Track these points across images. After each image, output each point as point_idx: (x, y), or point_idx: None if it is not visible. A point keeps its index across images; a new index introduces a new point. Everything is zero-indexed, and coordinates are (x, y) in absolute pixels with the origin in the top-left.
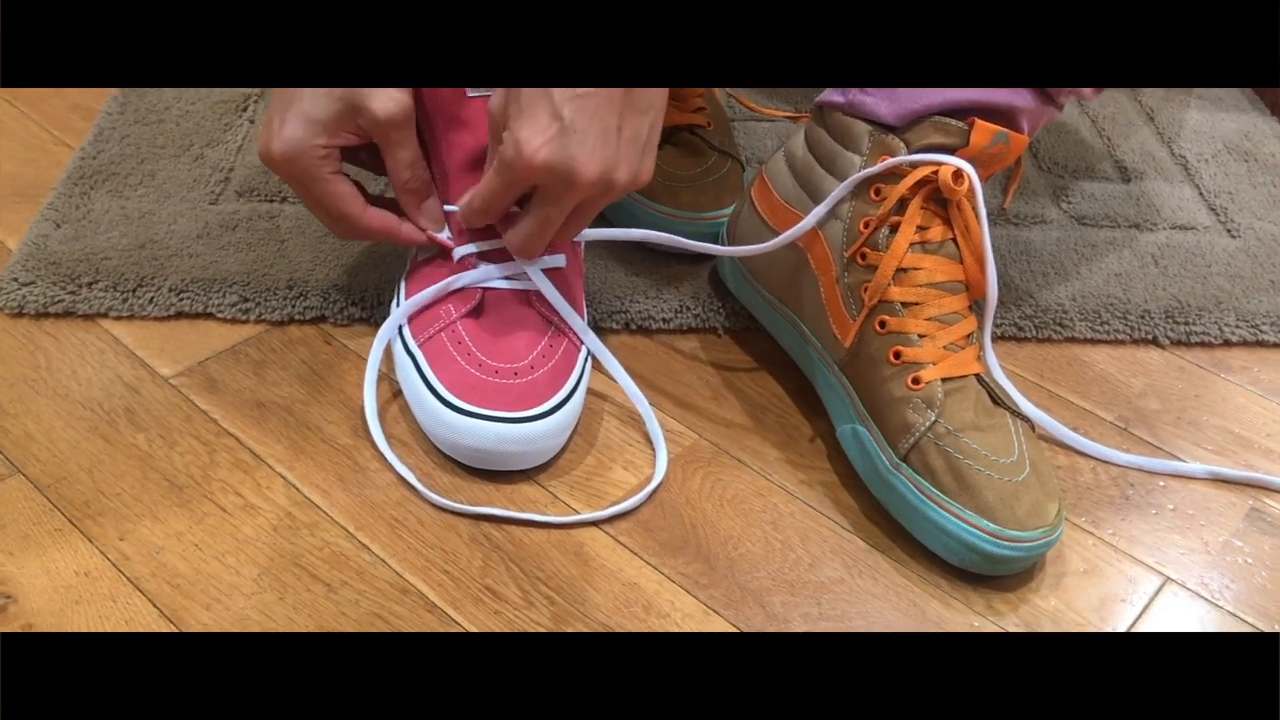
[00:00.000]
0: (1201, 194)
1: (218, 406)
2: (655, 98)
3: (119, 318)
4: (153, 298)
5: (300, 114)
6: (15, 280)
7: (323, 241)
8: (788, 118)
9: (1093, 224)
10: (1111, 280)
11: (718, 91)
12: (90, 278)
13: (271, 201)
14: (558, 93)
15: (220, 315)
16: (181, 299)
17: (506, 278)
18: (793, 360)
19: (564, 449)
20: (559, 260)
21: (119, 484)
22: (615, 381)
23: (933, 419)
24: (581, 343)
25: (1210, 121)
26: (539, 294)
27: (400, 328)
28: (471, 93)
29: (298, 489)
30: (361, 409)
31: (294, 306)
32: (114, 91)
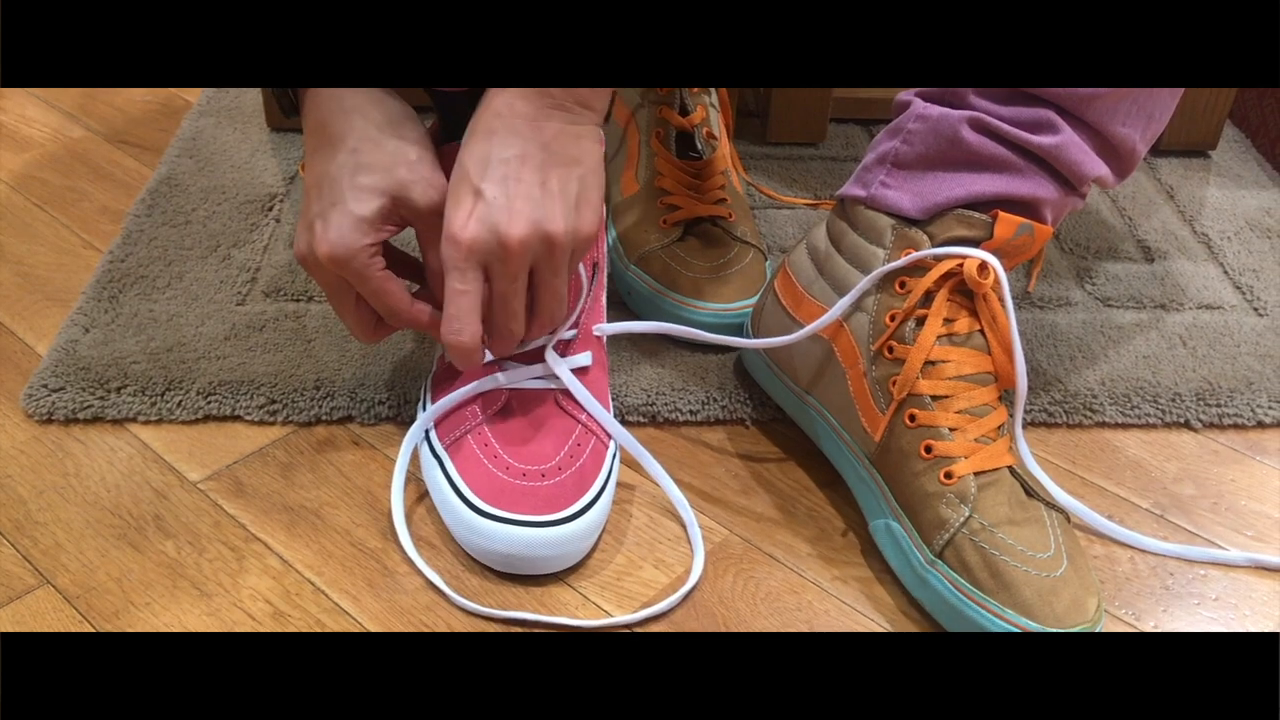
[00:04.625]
0: (1226, 272)
1: (246, 511)
2: (581, 152)
3: (147, 422)
4: (181, 401)
5: (345, 213)
6: (45, 386)
7: (349, 340)
8: (807, 205)
9: (1118, 305)
10: (1140, 362)
11: (738, 180)
12: (119, 382)
13: (298, 301)
14: (473, 170)
15: (248, 418)
16: (209, 402)
17: (534, 378)
18: (821, 451)
19: (594, 547)
20: (585, 359)
21: (148, 593)
22: (654, 481)
23: (966, 514)
24: (609, 439)
25: (1231, 199)
26: (565, 392)
27: (427, 431)
28: None
29: (327, 595)
30: (390, 511)
31: (321, 407)
32: (142, 193)
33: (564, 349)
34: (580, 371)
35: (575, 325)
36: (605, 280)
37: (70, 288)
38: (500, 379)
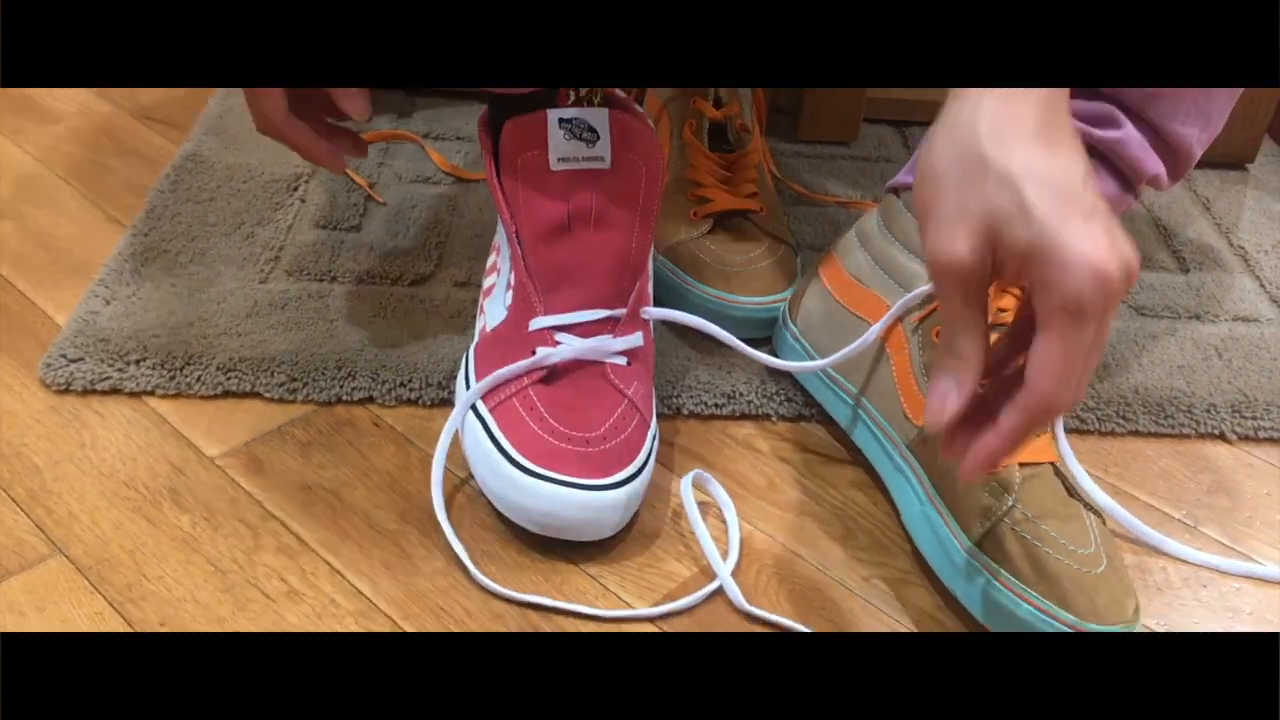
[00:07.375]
0: (1263, 285)
1: (263, 489)
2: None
3: (165, 395)
4: (200, 376)
5: (262, 99)
6: (63, 356)
7: (372, 322)
8: (839, 203)
9: (1152, 314)
10: (1174, 372)
11: (769, 177)
12: (138, 355)
13: (321, 280)
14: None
15: (267, 395)
16: (229, 378)
17: (587, 349)
18: (850, 448)
19: (617, 534)
20: (638, 339)
21: (161, 567)
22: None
23: (1010, 504)
24: (651, 421)
25: (1268, 213)
26: (613, 367)
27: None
28: (555, 165)
29: (343, 576)
30: (408, 493)
31: (342, 387)
32: (166, 169)
33: (614, 327)
34: (633, 352)
35: (625, 304)
36: (650, 267)
37: (92, 260)
38: (559, 354)
